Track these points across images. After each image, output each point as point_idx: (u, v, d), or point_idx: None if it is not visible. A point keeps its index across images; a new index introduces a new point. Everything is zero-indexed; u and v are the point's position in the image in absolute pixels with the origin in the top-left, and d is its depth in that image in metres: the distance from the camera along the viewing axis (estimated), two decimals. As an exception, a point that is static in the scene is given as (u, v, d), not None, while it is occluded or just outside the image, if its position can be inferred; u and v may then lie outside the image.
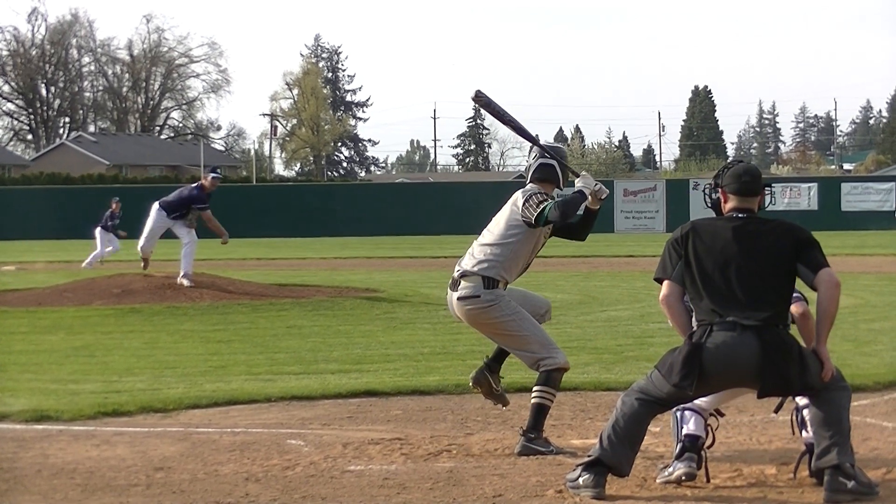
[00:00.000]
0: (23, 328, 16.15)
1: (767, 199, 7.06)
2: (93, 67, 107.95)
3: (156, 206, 19.88)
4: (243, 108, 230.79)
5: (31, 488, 7.32)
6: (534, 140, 8.56)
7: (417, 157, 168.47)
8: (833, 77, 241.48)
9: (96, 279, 20.10)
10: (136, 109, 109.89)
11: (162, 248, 27.09)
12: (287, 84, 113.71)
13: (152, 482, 7.40)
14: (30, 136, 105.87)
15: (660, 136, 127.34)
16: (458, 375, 10.96)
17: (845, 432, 6.68)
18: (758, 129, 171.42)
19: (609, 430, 6.85)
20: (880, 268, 27.49)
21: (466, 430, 8.89)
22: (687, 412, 7.13)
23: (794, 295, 7.03)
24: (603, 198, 8.34)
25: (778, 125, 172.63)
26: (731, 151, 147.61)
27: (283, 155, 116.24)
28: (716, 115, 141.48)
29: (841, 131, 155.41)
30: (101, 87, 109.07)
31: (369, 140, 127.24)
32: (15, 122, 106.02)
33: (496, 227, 8.29)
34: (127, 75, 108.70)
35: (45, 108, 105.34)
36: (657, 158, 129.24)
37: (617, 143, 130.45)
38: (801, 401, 7.04)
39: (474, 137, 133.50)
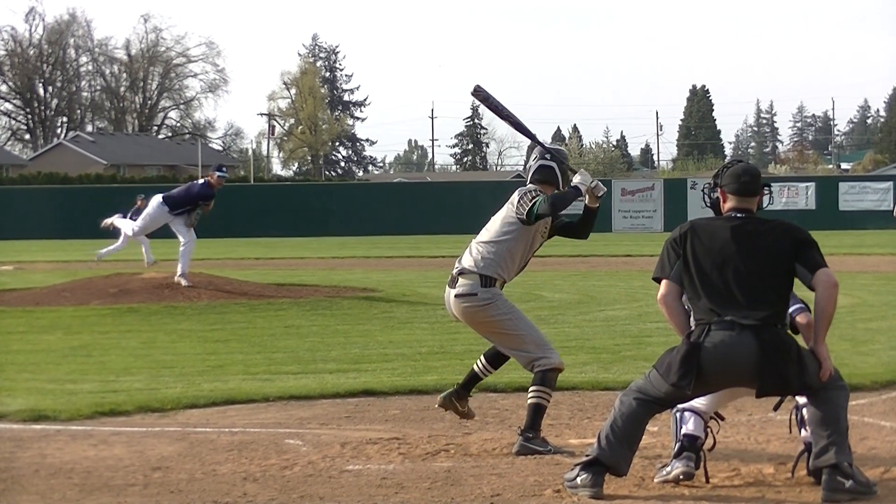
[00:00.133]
0: (20, 328, 16.14)
1: (766, 199, 7.06)
2: (90, 67, 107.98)
3: (158, 199, 19.70)
4: (241, 108, 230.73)
5: (29, 488, 7.31)
6: (533, 137, 8.56)
7: (415, 157, 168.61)
8: (831, 76, 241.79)
9: (93, 279, 20.09)
10: (134, 109, 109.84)
11: (161, 248, 27.08)
12: (285, 83, 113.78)
13: (150, 482, 7.39)
14: (27, 136, 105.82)
15: (657, 135, 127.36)
16: (457, 375, 10.92)
17: (843, 432, 6.68)
18: (755, 129, 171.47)
19: (607, 429, 6.85)
20: (878, 267, 27.50)
21: (464, 429, 8.88)
22: (686, 413, 7.13)
23: (799, 305, 7.03)
24: (600, 195, 8.35)
25: (776, 124, 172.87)
26: (728, 151, 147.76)
27: (281, 154, 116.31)
28: (713, 114, 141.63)
29: (838, 131, 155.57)
30: (98, 87, 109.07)
31: (367, 140, 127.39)
32: (12, 122, 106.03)
33: (493, 225, 8.31)
34: (124, 75, 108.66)
35: (42, 107, 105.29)
36: (655, 158, 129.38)
37: (615, 143, 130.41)
38: (801, 399, 7.04)
39: (472, 137, 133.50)
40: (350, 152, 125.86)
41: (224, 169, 20.45)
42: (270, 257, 35.38)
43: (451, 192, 55.67)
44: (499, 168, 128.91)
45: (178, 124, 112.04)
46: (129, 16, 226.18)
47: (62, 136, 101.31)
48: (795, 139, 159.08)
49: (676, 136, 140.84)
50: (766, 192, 7.03)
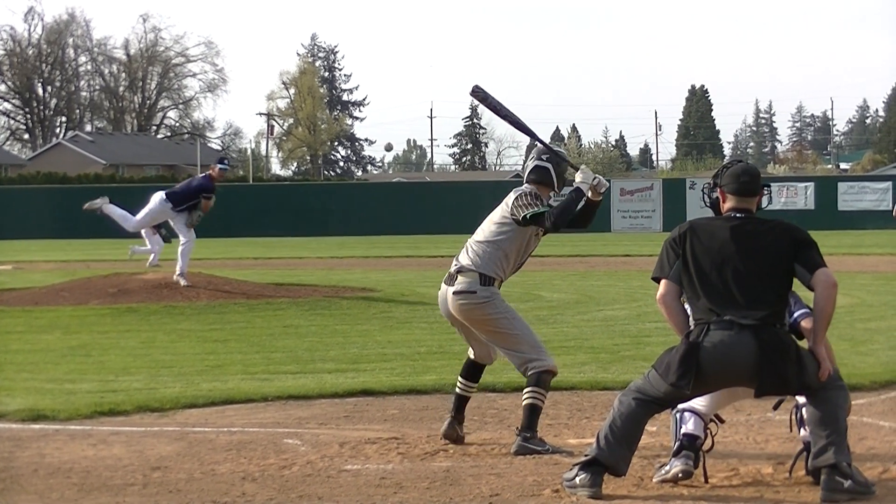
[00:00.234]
0: (19, 327, 16.14)
1: (765, 199, 7.06)
2: (89, 67, 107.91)
3: (161, 195, 19.56)
4: (240, 108, 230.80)
5: (28, 488, 7.31)
6: (533, 134, 8.57)
7: (414, 157, 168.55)
8: (830, 76, 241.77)
9: (92, 279, 20.08)
10: (133, 109, 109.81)
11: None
12: (284, 83, 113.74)
13: (149, 482, 7.39)
14: (26, 136, 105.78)
15: (656, 135, 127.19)
16: (455, 375, 10.90)
17: (842, 431, 6.68)
18: (754, 129, 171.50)
19: (606, 429, 6.85)
20: (877, 267, 27.50)
21: (463, 429, 8.87)
22: (686, 413, 7.13)
23: (805, 311, 7.03)
24: (603, 191, 8.37)
25: (774, 124, 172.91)
26: (727, 151, 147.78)
27: (280, 154, 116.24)
28: (712, 114, 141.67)
29: (837, 131, 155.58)
30: (97, 87, 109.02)
31: (366, 139, 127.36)
32: (11, 122, 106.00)
33: (488, 224, 8.33)
34: (123, 75, 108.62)
35: (41, 107, 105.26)
36: (654, 158, 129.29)
37: (614, 143, 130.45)
38: (801, 398, 7.04)
39: (471, 137, 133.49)
40: (349, 152, 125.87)
41: (226, 161, 20.37)
42: (269, 257, 35.37)
43: (449, 192, 55.63)
44: (498, 168, 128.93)
45: (177, 124, 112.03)
46: (128, 15, 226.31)
47: (61, 135, 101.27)
48: (794, 139, 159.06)
49: (675, 136, 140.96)
50: (765, 192, 7.04)
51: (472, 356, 8.52)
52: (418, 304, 18.63)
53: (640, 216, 52.83)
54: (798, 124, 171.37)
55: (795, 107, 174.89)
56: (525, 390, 8.20)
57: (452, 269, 8.29)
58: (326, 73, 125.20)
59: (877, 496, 6.69)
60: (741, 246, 6.79)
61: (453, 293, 8.22)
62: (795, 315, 7.04)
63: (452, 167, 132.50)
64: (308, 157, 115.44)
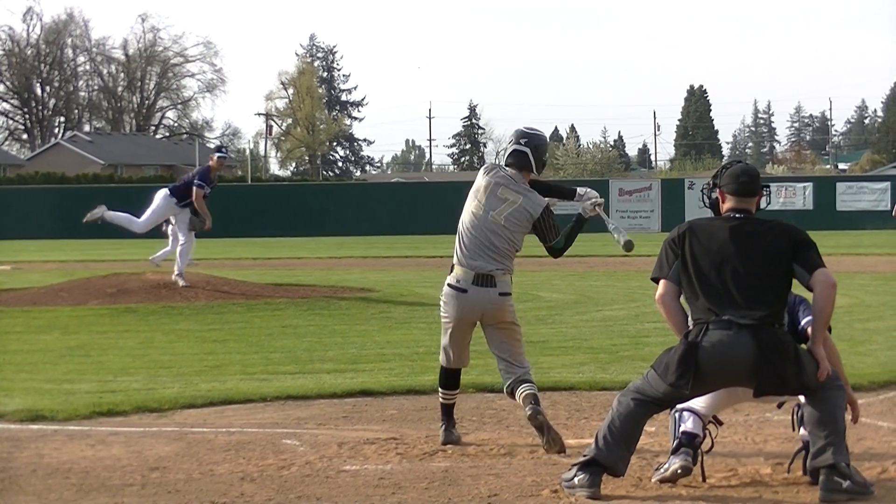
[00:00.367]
0: (18, 328, 16.13)
1: (764, 200, 7.06)
2: (88, 67, 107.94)
3: (164, 192, 19.44)
4: (238, 108, 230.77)
5: (26, 488, 7.31)
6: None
7: (413, 157, 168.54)
8: (828, 76, 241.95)
9: (91, 279, 20.08)
10: (132, 109, 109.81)
11: (158, 248, 27.08)
12: (282, 83, 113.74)
13: (147, 482, 7.39)
14: (25, 136, 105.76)
15: (655, 135, 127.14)
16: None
17: (841, 432, 6.69)
18: (753, 129, 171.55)
19: (605, 429, 6.85)
20: (875, 267, 27.49)
21: (462, 429, 8.87)
22: (686, 412, 7.13)
23: (809, 318, 7.02)
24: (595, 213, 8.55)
25: (773, 125, 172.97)
26: (726, 151, 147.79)
27: (279, 154, 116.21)
28: (711, 114, 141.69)
29: (836, 131, 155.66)
30: (96, 87, 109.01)
31: (364, 140, 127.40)
32: (10, 122, 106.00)
33: (509, 232, 8.30)
34: (122, 75, 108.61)
35: (40, 107, 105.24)
36: (652, 158, 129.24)
37: (612, 143, 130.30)
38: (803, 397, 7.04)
39: (470, 137, 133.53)
40: (347, 152, 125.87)
41: (224, 150, 20.25)
42: (268, 257, 35.36)
43: (448, 192, 55.45)
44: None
45: (176, 124, 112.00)
46: (127, 15, 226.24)
47: (59, 135, 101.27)
48: (793, 139, 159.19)
49: (674, 137, 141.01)
50: (764, 193, 7.05)
51: (449, 364, 8.49)
52: (417, 304, 18.63)
53: (638, 216, 52.83)
54: (796, 124, 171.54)
55: (794, 107, 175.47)
56: (524, 385, 8.16)
57: (485, 271, 8.24)
58: (325, 74, 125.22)
59: (875, 496, 6.69)
60: (740, 246, 6.79)
61: (499, 294, 8.26)
62: (803, 323, 7.04)
63: (451, 167, 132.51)
64: (307, 158, 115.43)
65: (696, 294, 6.80)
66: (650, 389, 6.83)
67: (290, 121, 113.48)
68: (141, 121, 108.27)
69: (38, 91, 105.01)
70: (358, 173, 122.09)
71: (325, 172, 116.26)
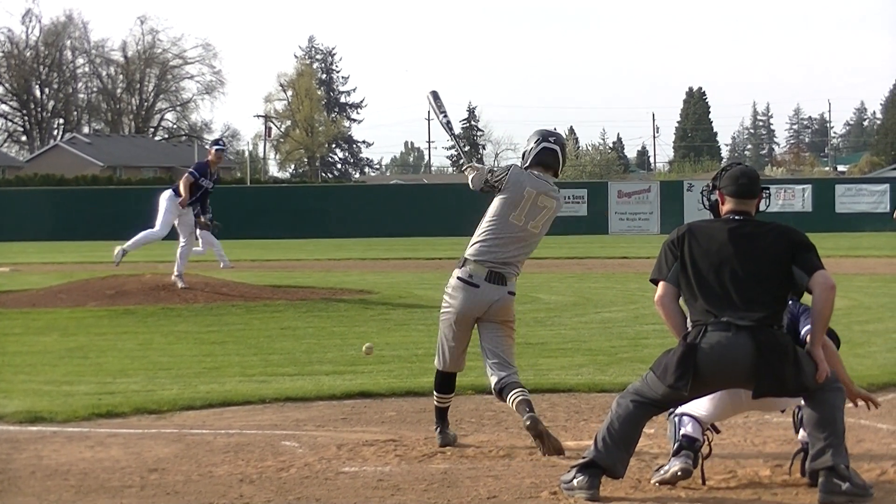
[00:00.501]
0: (17, 329, 16.13)
1: (764, 202, 7.06)
2: (87, 69, 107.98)
3: (168, 193, 19.35)
4: (237, 110, 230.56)
5: (25, 490, 7.31)
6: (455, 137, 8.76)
7: (412, 159, 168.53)
8: (827, 79, 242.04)
9: (90, 281, 20.08)
10: (131, 111, 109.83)
11: (157, 250, 27.04)
12: (281, 85, 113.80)
13: (146, 484, 7.39)
14: (24, 138, 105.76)
15: (654, 137, 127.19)
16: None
17: (840, 434, 6.69)
18: (752, 131, 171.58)
19: (604, 431, 6.86)
20: (874, 269, 27.50)
21: (461, 431, 8.88)
22: (685, 417, 7.13)
23: (809, 327, 7.02)
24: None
25: (772, 127, 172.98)
26: (725, 153, 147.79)
27: (278, 156, 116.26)
28: (710, 116, 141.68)
29: (835, 133, 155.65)
30: (95, 89, 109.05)
31: (363, 141, 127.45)
32: (9, 124, 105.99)
33: (540, 237, 8.39)
34: (121, 77, 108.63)
35: (39, 109, 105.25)
36: (651, 160, 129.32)
37: (611, 145, 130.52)
38: (803, 399, 7.04)
39: (469, 139, 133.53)
40: (346, 154, 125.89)
41: (221, 142, 20.15)
42: (267, 259, 35.37)
43: (447, 194, 55.59)
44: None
45: (175, 126, 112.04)
46: (126, 17, 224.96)
47: (58, 137, 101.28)
48: (792, 141, 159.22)
49: (673, 139, 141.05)
50: (764, 195, 7.05)
51: (445, 368, 8.49)
52: (416, 306, 18.63)
53: (637, 218, 52.83)
54: (795, 126, 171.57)
55: (793, 109, 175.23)
56: (516, 389, 8.15)
57: (497, 270, 8.25)
58: (324, 75, 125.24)
59: (875, 498, 6.69)
60: (739, 248, 6.79)
61: (508, 293, 8.28)
62: (803, 332, 7.03)
63: (450, 169, 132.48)
64: (305, 159, 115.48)
65: (695, 296, 6.80)
66: (649, 391, 6.83)
67: (289, 123, 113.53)
68: (140, 122, 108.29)
69: (37, 93, 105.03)
70: (357, 175, 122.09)
71: (324, 174, 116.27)
